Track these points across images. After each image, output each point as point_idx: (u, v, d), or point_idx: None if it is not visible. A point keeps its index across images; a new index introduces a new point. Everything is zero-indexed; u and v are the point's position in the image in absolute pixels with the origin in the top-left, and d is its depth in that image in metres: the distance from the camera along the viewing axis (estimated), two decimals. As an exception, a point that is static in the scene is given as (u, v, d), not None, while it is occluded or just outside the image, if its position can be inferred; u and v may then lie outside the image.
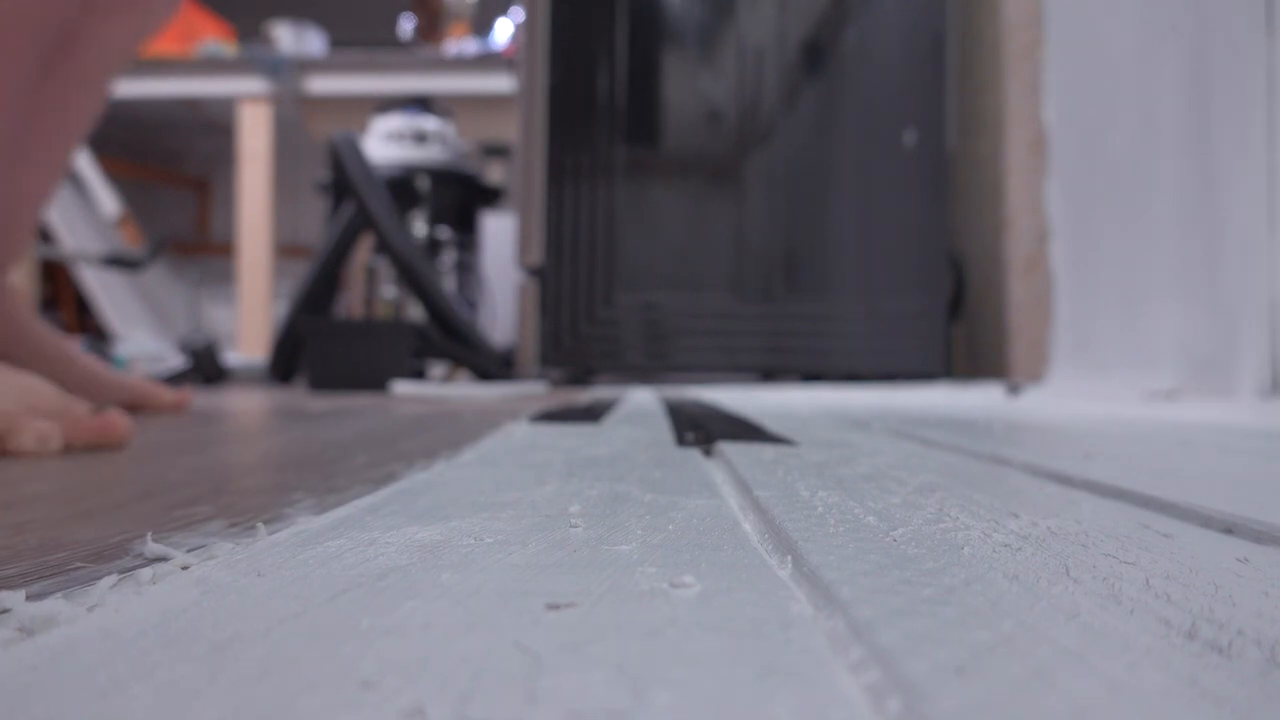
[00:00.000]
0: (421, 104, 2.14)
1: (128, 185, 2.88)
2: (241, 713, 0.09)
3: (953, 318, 1.62)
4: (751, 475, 0.28)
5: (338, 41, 2.69)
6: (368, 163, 1.57)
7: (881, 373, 1.52)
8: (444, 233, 2.11)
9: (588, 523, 0.21)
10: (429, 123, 2.10)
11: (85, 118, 0.70)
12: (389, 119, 2.10)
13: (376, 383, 1.26)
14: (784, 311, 1.51)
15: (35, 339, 0.69)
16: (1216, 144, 0.98)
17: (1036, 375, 1.40)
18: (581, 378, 1.50)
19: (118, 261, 1.93)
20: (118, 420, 0.44)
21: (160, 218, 3.15)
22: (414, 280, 1.53)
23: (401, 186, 2.02)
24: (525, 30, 1.54)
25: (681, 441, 0.41)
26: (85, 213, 2.63)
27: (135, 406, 0.70)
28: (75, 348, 0.71)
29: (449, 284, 2.08)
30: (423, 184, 2.07)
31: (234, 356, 1.94)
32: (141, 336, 2.40)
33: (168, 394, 0.73)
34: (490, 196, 2.23)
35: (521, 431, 0.47)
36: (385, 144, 2.07)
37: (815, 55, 1.53)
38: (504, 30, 2.68)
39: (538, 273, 1.50)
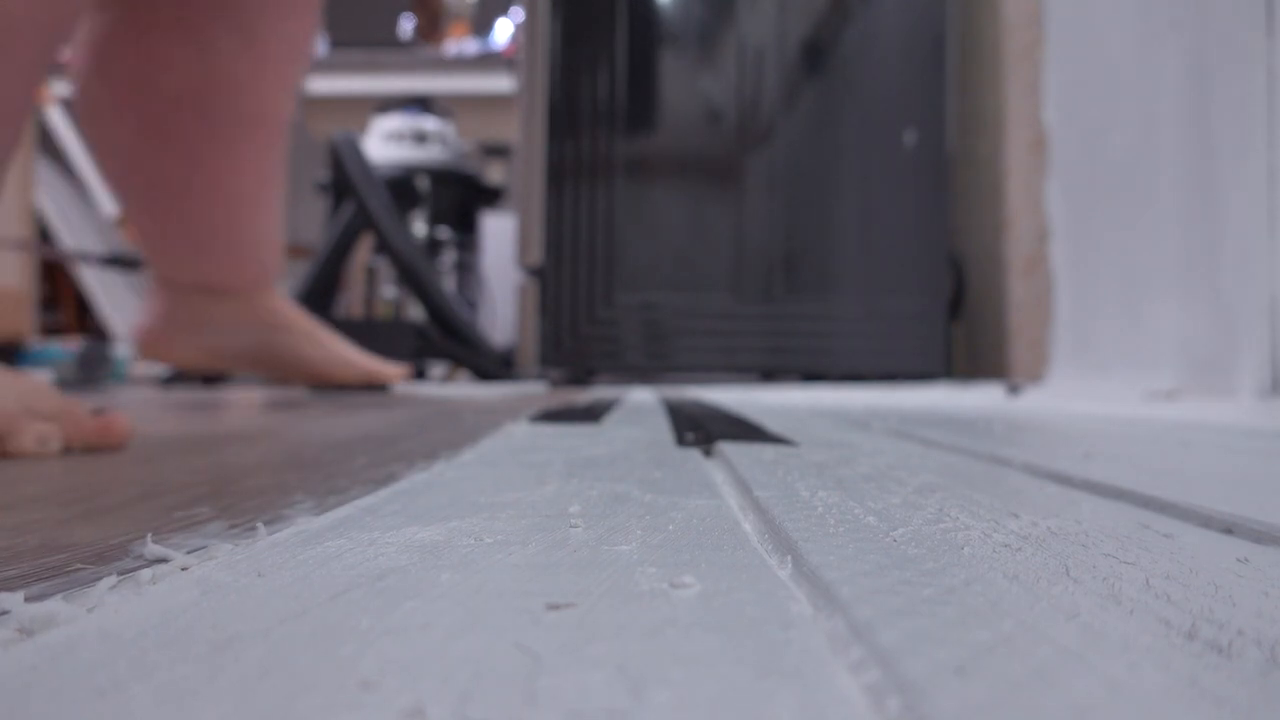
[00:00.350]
0: (421, 104, 2.14)
1: (128, 185, 2.87)
2: (241, 713, 0.09)
3: (953, 318, 1.62)
4: (751, 475, 0.28)
5: (338, 41, 2.69)
6: (368, 163, 1.57)
7: (881, 373, 1.52)
8: (444, 233, 2.11)
9: (588, 523, 0.21)
10: (429, 123, 2.10)
11: (284, 161, 0.90)
12: (389, 119, 2.10)
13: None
14: (784, 311, 1.51)
15: (309, 328, 0.91)
16: (1216, 144, 0.98)
17: (1036, 375, 1.41)
18: (581, 378, 1.50)
19: (118, 261, 1.93)
20: (117, 421, 0.44)
21: None
22: (414, 280, 1.53)
23: (401, 186, 2.02)
24: (525, 30, 1.54)
25: (681, 441, 0.41)
26: (85, 213, 2.63)
27: (374, 381, 0.92)
28: (330, 334, 0.94)
29: (449, 284, 2.08)
30: (423, 184, 2.07)
31: (234, 357, 1.93)
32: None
33: (395, 371, 0.95)
34: (490, 196, 2.23)
35: (521, 431, 0.47)
36: (385, 144, 2.07)
37: (815, 55, 1.53)
38: (504, 30, 2.68)
39: (538, 273, 1.50)
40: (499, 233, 2.11)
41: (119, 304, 2.61)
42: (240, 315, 0.88)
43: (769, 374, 1.55)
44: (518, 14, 2.11)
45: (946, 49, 1.54)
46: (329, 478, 0.31)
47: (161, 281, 0.87)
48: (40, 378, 0.52)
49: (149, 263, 0.89)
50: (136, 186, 0.83)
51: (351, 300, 2.01)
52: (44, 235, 2.50)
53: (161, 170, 0.82)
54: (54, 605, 0.13)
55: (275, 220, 0.90)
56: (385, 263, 1.88)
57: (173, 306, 0.86)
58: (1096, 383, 1.20)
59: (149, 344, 0.89)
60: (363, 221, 1.54)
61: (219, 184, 0.83)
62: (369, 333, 1.40)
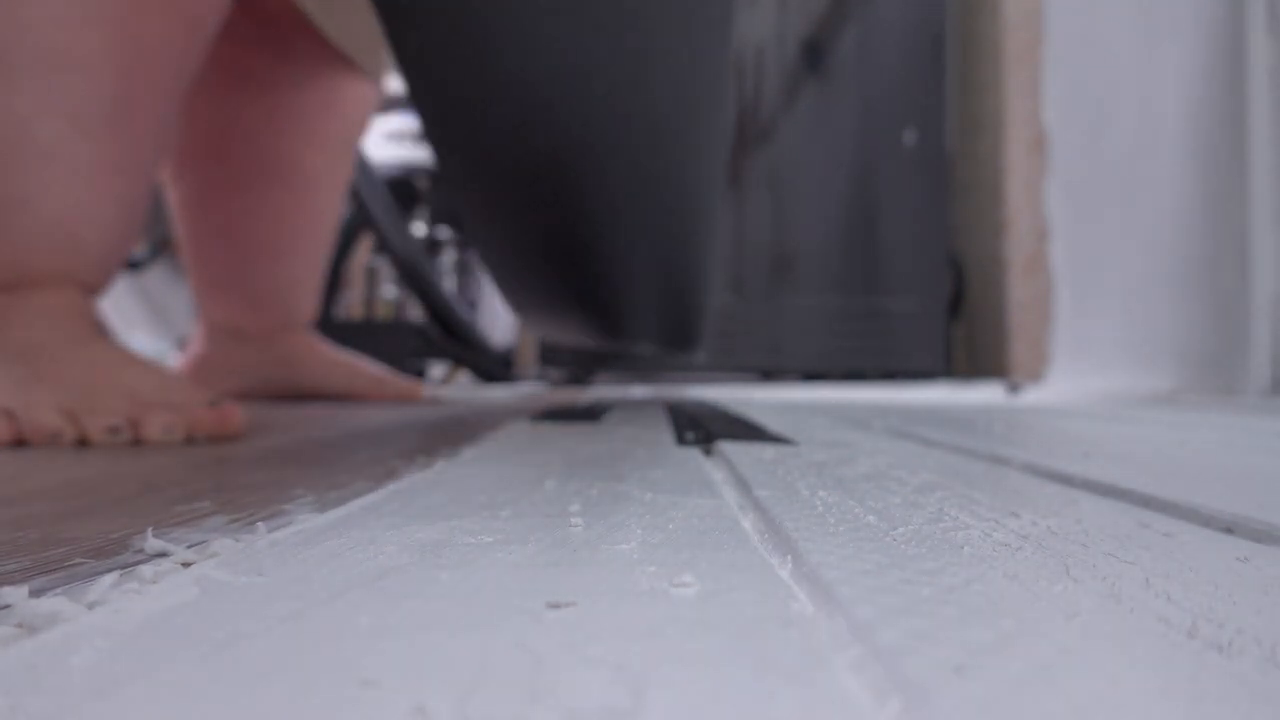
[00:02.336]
0: (421, 104, 2.14)
1: (128, 185, 2.86)
2: (242, 712, 0.09)
3: (953, 317, 1.62)
4: (751, 474, 0.28)
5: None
6: (368, 163, 1.57)
7: (882, 372, 1.52)
8: (444, 233, 2.11)
9: (588, 522, 0.21)
10: (429, 122, 2.10)
11: (324, 213, 0.93)
12: (389, 119, 2.10)
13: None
14: (784, 311, 1.51)
15: (335, 360, 0.95)
16: (1216, 143, 0.98)
17: (1036, 374, 1.41)
18: (581, 377, 1.50)
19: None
20: (232, 412, 0.48)
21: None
22: (414, 280, 1.52)
23: (401, 186, 2.02)
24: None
25: (681, 441, 0.41)
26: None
27: (405, 398, 0.97)
28: (361, 360, 0.99)
29: (449, 284, 2.08)
30: (423, 184, 2.06)
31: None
32: (141, 337, 2.40)
33: (421, 390, 1.00)
34: (490, 196, 2.23)
35: (522, 430, 0.47)
36: (385, 144, 2.07)
37: (815, 55, 1.53)
38: (504, 30, 2.67)
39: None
40: (499, 232, 2.10)
41: (119, 304, 2.61)
42: (263, 358, 0.92)
43: (769, 373, 1.55)
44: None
45: (946, 49, 1.54)
46: (330, 474, 0.31)
47: (201, 317, 0.92)
48: (173, 369, 0.58)
49: (193, 296, 0.93)
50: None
51: (351, 300, 2.01)
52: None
53: (187, 210, 0.87)
54: (55, 601, 0.13)
55: (305, 269, 0.93)
56: (385, 263, 1.88)
57: (205, 348, 0.91)
58: (1096, 382, 1.20)
59: None
60: (363, 221, 1.54)
61: (236, 231, 0.87)
62: (369, 333, 1.40)
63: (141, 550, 0.18)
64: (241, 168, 0.86)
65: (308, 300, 0.95)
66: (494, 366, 1.56)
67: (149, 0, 0.53)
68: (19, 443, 0.43)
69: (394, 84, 2.47)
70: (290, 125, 0.87)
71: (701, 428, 0.47)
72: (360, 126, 0.95)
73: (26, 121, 0.49)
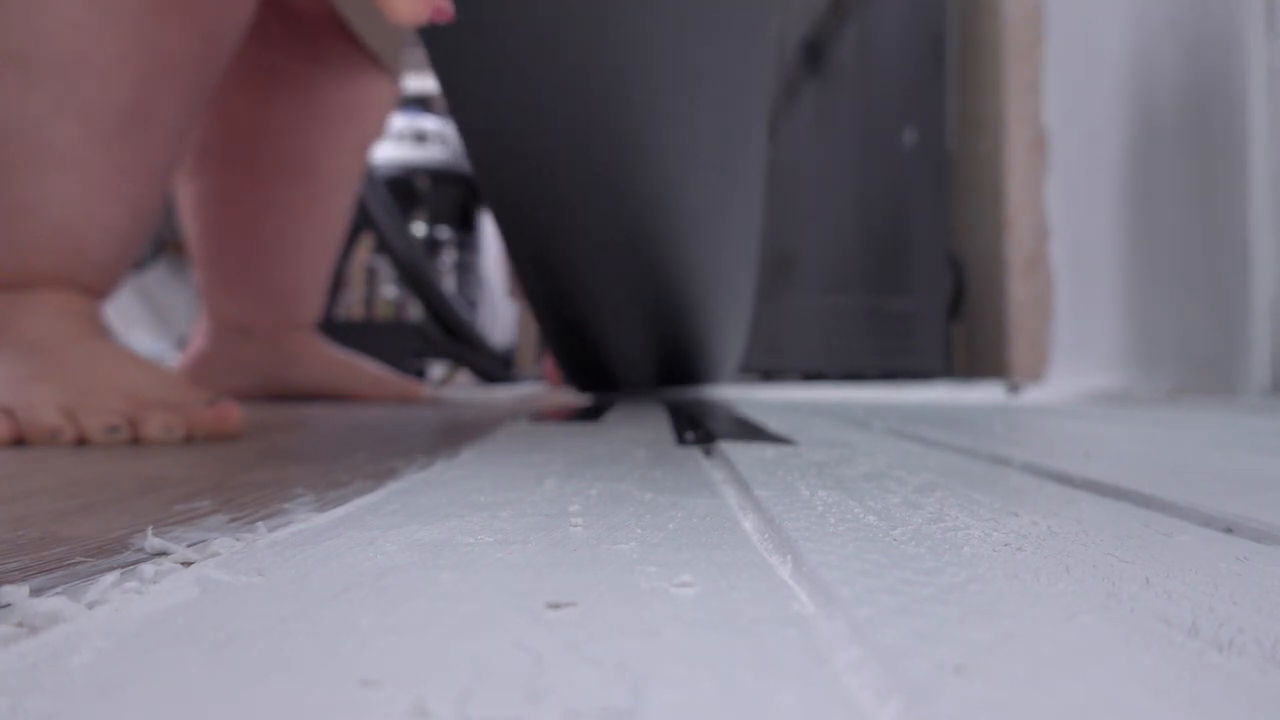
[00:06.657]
0: (421, 104, 2.14)
1: (128, 184, 2.86)
2: (242, 712, 0.09)
3: (953, 317, 1.62)
4: (751, 474, 0.28)
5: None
6: (368, 163, 1.56)
7: (881, 372, 1.52)
8: (444, 233, 2.11)
9: (587, 522, 0.21)
10: (429, 123, 2.10)
11: (338, 213, 0.94)
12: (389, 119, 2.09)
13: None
14: (784, 311, 1.51)
15: (337, 360, 0.96)
16: (1216, 143, 0.98)
17: (1036, 374, 1.41)
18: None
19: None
20: (230, 411, 0.48)
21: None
22: (414, 280, 1.52)
23: (401, 186, 2.02)
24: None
25: (681, 441, 0.41)
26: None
27: (405, 398, 0.97)
28: (362, 360, 1.00)
29: (449, 284, 2.08)
30: (423, 184, 2.06)
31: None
32: (142, 336, 2.40)
33: (422, 390, 1.01)
34: (490, 196, 2.23)
35: (522, 430, 0.47)
36: (385, 144, 2.07)
37: (815, 55, 1.53)
38: (504, 30, 2.67)
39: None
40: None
41: (119, 304, 2.61)
42: (266, 356, 0.92)
43: (769, 373, 1.55)
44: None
45: (946, 49, 1.55)
46: (329, 474, 0.31)
47: (206, 314, 0.92)
48: (169, 367, 0.58)
49: (199, 292, 0.92)
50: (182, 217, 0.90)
51: (351, 300, 2.01)
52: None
53: (202, 206, 0.87)
54: (55, 600, 0.13)
55: (316, 268, 0.94)
56: (385, 263, 1.88)
57: (209, 345, 0.91)
58: (1096, 382, 1.20)
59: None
60: (363, 221, 1.54)
61: (254, 227, 0.88)
62: (369, 333, 1.40)
63: (142, 549, 0.18)
64: (265, 165, 0.86)
65: (315, 299, 0.95)
66: (494, 366, 1.56)
67: (169, 11, 0.53)
68: (18, 441, 0.43)
69: (409, 83, 2.47)
70: (316, 125, 0.88)
71: (701, 428, 0.47)
72: (378, 127, 0.95)
73: (40, 124, 0.49)
